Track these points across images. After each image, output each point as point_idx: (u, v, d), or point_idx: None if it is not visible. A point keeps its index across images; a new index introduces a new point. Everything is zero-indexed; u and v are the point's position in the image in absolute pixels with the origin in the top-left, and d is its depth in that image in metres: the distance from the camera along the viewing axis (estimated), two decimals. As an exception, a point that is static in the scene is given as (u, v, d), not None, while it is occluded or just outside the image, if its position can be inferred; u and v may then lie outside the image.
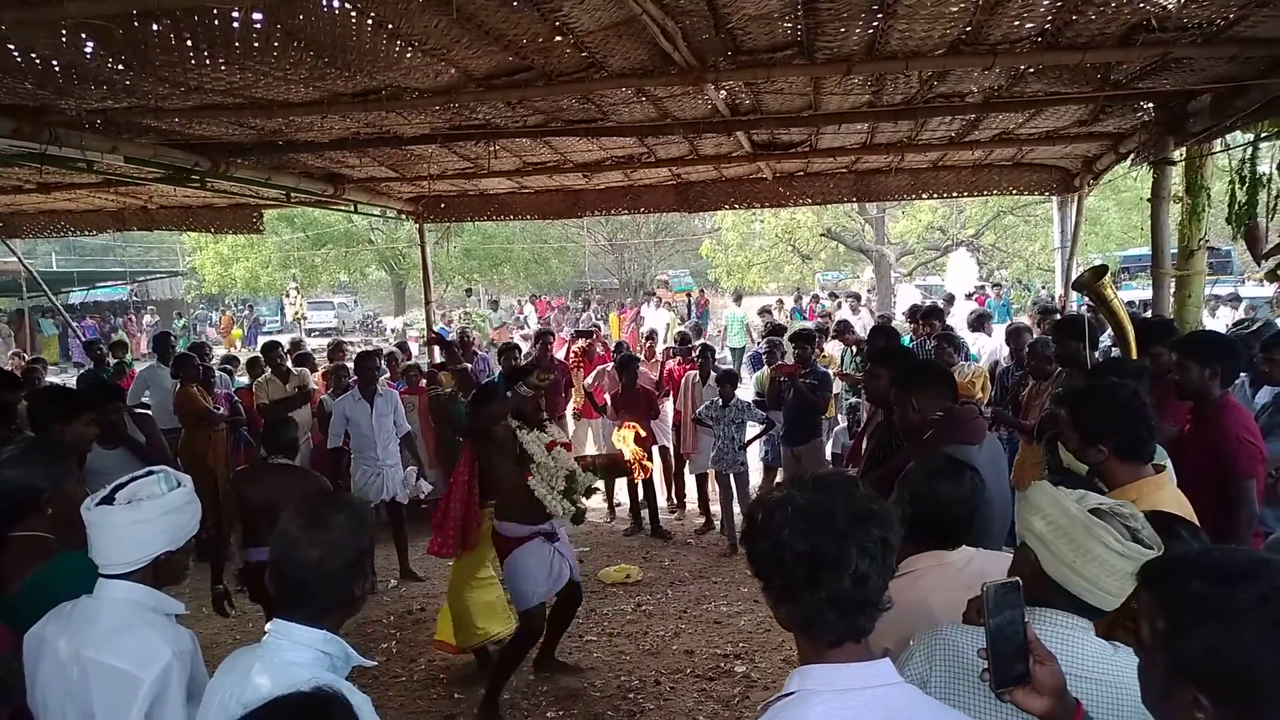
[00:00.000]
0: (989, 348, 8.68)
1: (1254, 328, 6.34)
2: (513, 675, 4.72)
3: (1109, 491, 2.59)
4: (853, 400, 7.34)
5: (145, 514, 2.05)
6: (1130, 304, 14.13)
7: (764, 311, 16.27)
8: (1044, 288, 20.59)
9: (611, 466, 4.46)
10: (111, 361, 9.83)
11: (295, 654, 1.76)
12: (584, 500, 4.79)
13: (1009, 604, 1.48)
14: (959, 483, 2.34)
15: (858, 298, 19.06)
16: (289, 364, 8.29)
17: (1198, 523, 2.30)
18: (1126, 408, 2.61)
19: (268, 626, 1.83)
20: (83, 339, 15.30)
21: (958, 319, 11.52)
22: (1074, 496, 1.81)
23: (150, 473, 2.14)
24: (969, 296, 15.93)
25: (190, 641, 2.08)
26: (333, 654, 1.79)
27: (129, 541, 2.05)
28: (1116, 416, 2.60)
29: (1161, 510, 2.17)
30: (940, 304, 11.85)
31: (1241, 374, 4.36)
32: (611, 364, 8.36)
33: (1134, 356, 4.18)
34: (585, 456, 4.78)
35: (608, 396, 8.06)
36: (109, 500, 2.06)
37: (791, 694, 1.43)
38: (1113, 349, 6.30)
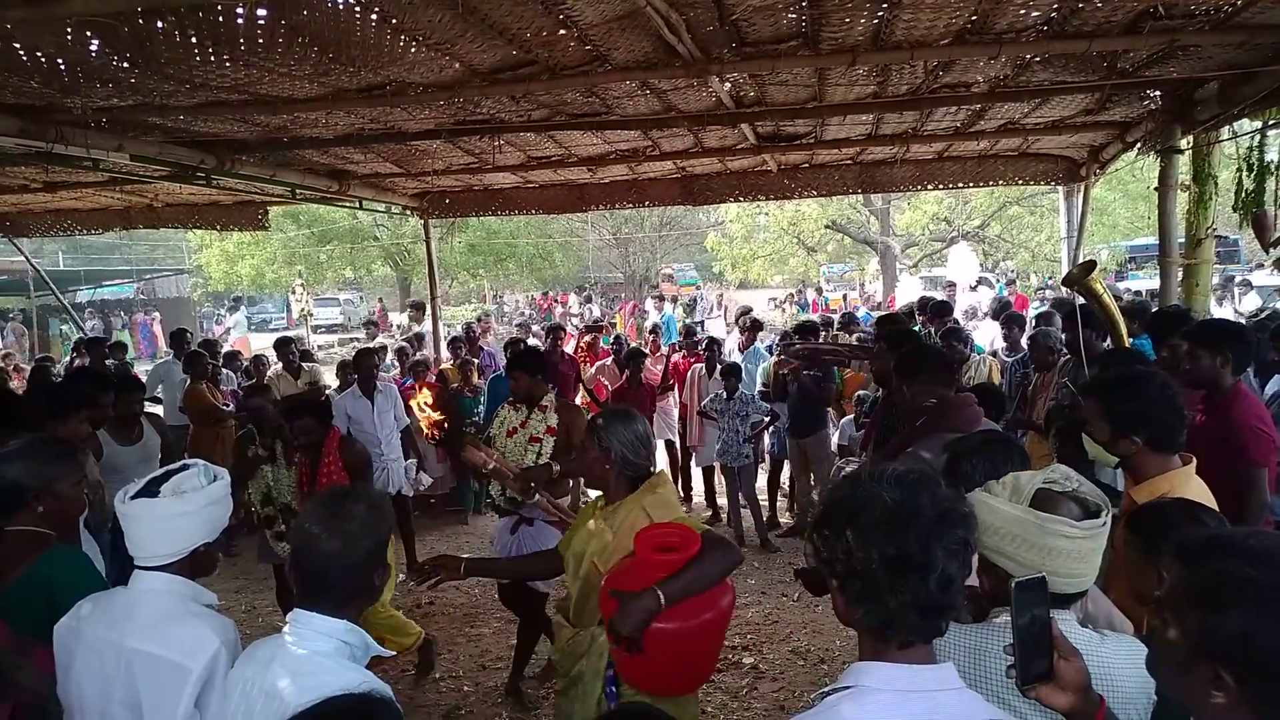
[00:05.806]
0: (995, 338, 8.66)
1: (1261, 317, 6.32)
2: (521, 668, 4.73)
3: (1137, 484, 2.56)
4: (862, 392, 7.33)
5: (190, 505, 2.07)
6: (1138, 294, 14.08)
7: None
8: (1050, 278, 20.46)
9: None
10: (111, 363, 9.82)
11: (316, 644, 1.78)
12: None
13: (1034, 600, 1.48)
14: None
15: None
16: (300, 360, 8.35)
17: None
18: (1159, 397, 2.55)
19: (289, 616, 1.85)
20: (86, 335, 15.32)
21: (958, 310, 11.46)
22: (1005, 493, 1.77)
23: (186, 466, 2.16)
24: (973, 289, 15.82)
25: (234, 631, 2.09)
26: (353, 643, 1.82)
27: (171, 533, 2.06)
28: (1150, 406, 2.54)
29: (1187, 498, 2.17)
30: (942, 295, 11.82)
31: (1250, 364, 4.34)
32: (610, 359, 8.37)
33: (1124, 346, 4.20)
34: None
35: (608, 389, 8.07)
36: (150, 493, 2.06)
37: (848, 688, 1.39)
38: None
